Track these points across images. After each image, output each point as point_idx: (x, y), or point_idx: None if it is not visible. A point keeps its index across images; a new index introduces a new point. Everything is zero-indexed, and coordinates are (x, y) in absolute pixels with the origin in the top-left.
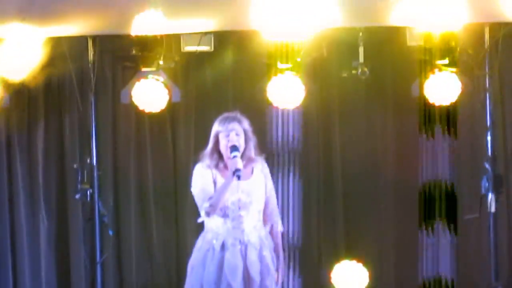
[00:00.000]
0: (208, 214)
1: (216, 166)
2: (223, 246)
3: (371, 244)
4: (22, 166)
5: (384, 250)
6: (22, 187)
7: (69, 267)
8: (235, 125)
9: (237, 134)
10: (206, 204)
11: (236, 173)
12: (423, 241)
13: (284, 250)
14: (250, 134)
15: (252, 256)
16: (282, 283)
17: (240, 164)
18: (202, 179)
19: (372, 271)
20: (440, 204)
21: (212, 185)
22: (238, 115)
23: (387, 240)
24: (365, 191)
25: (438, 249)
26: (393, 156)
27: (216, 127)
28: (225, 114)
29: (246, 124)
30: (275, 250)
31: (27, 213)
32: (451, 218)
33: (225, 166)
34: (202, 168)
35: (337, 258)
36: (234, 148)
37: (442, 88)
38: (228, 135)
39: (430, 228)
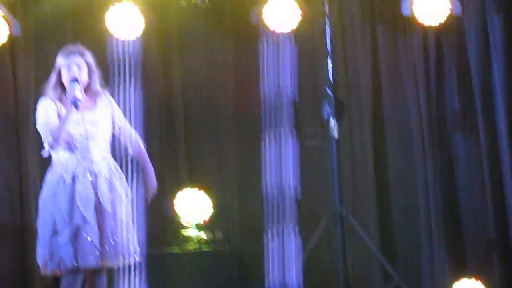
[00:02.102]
0: (51, 147)
1: (60, 99)
2: (73, 178)
3: (215, 173)
4: None
5: (227, 179)
6: None
7: None
8: (77, 58)
9: (78, 67)
10: (49, 137)
11: (74, 102)
12: (266, 151)
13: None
14: (94, 67)
15: (103, 186)
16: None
17: (78, 93)
18: (45, 112)
19: (216, 198)
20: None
21: (56, 118)
22: (81, 48)
23: (230, 170)
24: (207, 118)
25: (281, 157)
26: (234, 83)
27: (58, 60)
28: (68, 47)
29: (89, 57)
30: (145, 167)
31: None
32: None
33: (68, 99)
34: (45, 102)
35: (180, 186)
36: (74, 79)
37: (281, 14)
38: (70, 68)
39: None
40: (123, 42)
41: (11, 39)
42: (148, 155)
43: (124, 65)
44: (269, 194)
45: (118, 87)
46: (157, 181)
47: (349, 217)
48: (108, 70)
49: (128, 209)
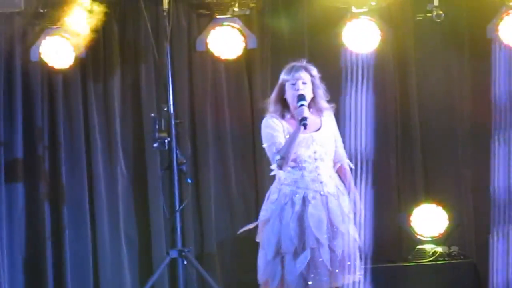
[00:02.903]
0: (280, 166)
1: (282, 116)
2: (303, 200)
3: (450, 187)
4: (99, 116)
5: (463, 192)
6: (99, 137)
7: (148, 216)
8: (302, 74)
9: (303, 83)
10: (278, 157)
11: (303, 121)
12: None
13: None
14: (318, 82)
15: (333, 206)
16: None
17: (306, 112)
18: (271, 130)
19: (451, 213)
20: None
21: (283, 136)
22: (305, 63)
23: (466, 182)
24: (442, 133)
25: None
26: (469, 98)
27: (282, 76)
28: (292, 63)
29: (314, 72)
30: (348, 187)
31: (105, 163)
32: None
33: (292, 116)
34: (271, 120)
35: (416, 201)
36: (301, 97)
37: None
38: (294, 84)
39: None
40: (358, 55)
41: (247, 51)
42: (384, 169)
43: (360, 79)
44: (496, 195)
45: (354, 101)
46: (393, 195)
47: None
48: (341, 84)
49: (355, 226)
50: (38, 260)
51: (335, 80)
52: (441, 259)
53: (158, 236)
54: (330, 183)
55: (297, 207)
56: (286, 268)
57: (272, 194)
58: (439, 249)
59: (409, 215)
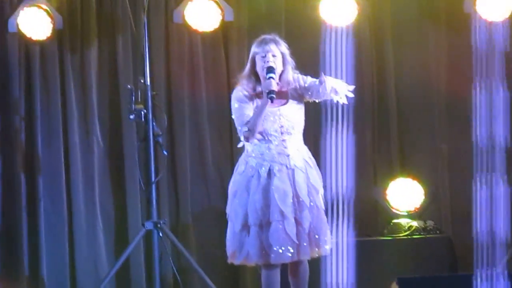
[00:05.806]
0: (247, 138)
1: (254, 89)
2: (269, 173)
3: (426, 161)
4: (75, 87)
5: (439, 167)
6: (76, 109)
7: (124, 188)
8: (272, 46)
9: (273, 55)
10: (245, 128)
11: (270, 94)
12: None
13: None
14: (288, 56)
15: (300, 179)
16: (337, 207)
17: (274, 85)
18: (240, 102)
19: (427, 187)
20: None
21: (251, 109)
22: (276, 37)
23: (442, 156)
24: (419, 108)
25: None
26: (446, 72)
27: (253, 49)
28: (262, 36)
29: (283, 46)
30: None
31: (81, 134)
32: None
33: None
34: (240, 93)
35: (392, 175)
36: (270, 69)
37: (495, 3)
38: (264, 56)
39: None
40: (336, 29)
41: (224, 24)
42: (360, 143)
43: (337, 53)
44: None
45: (330, 75)
46: (369, 169)
47: None
48: (319, 58)
49: (323, 198)
50: (13, 231)
51: (312, 54)
52: (416, 233)
53: (134, 208)
54: (297, 156)
55: (263, 180)
56: (249, 241)
57: (240, 166)
58: (415, 223)
59: (385, 189)
